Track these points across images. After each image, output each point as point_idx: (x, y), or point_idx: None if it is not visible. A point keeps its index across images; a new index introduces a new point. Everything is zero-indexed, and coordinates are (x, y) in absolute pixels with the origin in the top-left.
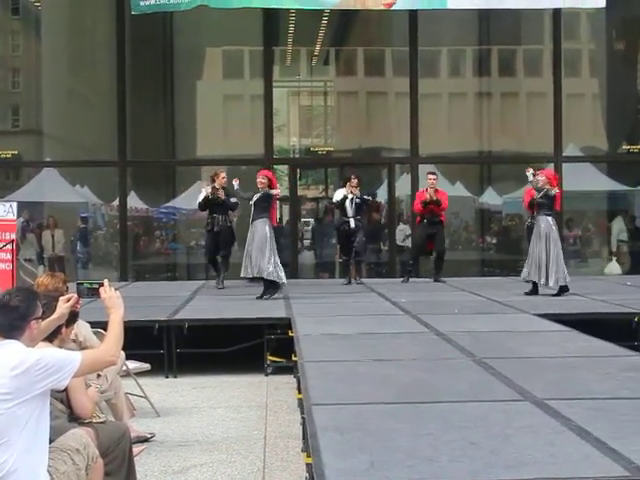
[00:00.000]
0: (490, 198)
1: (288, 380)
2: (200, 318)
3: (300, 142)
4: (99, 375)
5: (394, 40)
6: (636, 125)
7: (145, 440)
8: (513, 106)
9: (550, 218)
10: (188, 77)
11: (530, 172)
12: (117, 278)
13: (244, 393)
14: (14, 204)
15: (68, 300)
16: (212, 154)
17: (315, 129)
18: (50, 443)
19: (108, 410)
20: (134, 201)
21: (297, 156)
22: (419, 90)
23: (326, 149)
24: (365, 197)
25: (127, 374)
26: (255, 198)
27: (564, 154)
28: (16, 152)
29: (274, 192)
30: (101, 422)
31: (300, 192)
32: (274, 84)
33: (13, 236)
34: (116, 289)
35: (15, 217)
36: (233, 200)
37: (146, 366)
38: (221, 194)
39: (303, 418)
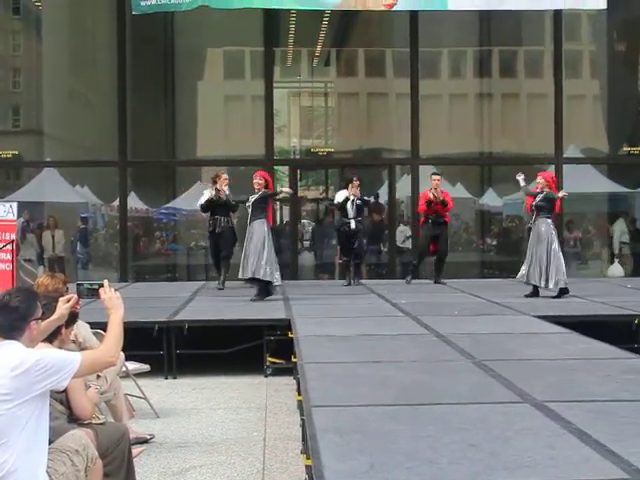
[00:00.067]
0: (490, 199)
1: (288, 382)
2: (200, 319)
3: (301, 143)
4: (99, 376)
5: (395, 41)
6: (637, 127)
7: (144, 441)
8: (514, 107)
9: (550, 221)
10: (189, 77)
11: (522, 177)
12: (117, 279)
13: (244, 394)
14: (14, 204)
15: (68, 301)
16: (212, 155)
17: (316, 130)
18: (49, 444)
19: (107, 411)
20: (134, 201)
21: (298, 157)
22: (420, 91)
23: (327, 150)
24: (366, 198)
25: (127, 375)
26: (253, 199)
27: (564, 155)
28: (16, 152)
29: (286, 190)
30: (100, 423)
31: (300, 193)
32: (275, 85)
33: (13, 236)
34: (116, 290)
35: (15, 217)
36: (242, 197)
37: (146, 367)
38: (222, 194)
39: (303, 420)
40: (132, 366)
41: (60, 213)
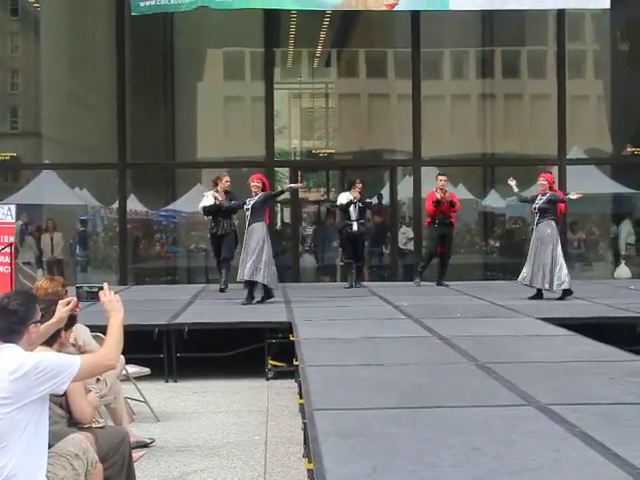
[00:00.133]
0: (493, 201)
1: (289, 385)
2: (200, 322)
3: (301, 144)
4: (98, 379)
5: (396, 41)
6: None
7: (145, 445)
8: (516, 108)
9: (553, 222)
10: (188, 78)
11: (514, 183)
12: (117, 281)
13: (245, 398)
14: (13, 207)
15: (67, 304)
16: (212, 156)
17: (316, 131)
18: (49, 448)
19: (107, 415)
20: (134, 204)
21: (298, 158)
22: (422, 92)
23: (327, 151)
24: (368, 201)
25: (127, 378)
26: (253, 201)
27: (568, 156)
28: (15, 154)
29: (296, 186)
30: (100, 427)
31: (301, 195)
32: (275, 86)
33: (12, 239)
34: (116, 293)
35: (14, 220)
36: (235, 203)
37: (146, 370)
38: (223, 203)
39: (304, 423)
40: (132, 369)
41: (59, 215)
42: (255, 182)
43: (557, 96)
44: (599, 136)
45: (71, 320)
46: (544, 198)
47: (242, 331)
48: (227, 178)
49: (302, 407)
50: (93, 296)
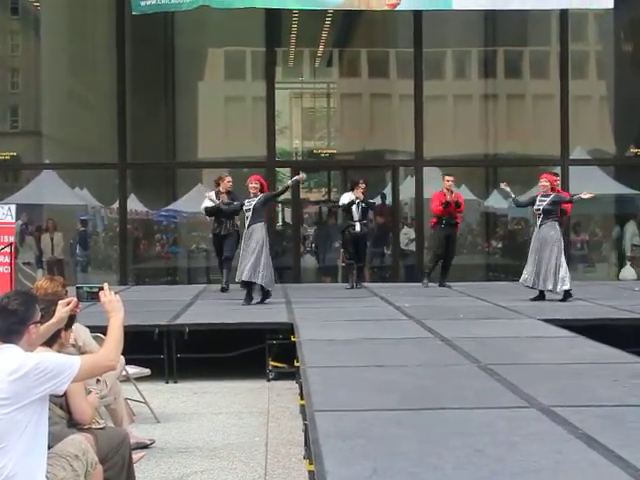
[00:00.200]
0: (495, 202)
1: (290, 386)
2: (201, 323)
3: (303, 144)
4: (98, 380)
5: (398, 41)
6: None
7: (145, 446)
8: (519, 108)
9: (557, 224)
10: (189, 78)
11: (509, 189)
12: (117, 282)
13: (245, 399)
14: (13, 206)
15: (67, 304)
16: (213, 156)
17: (318, 131)
18: (49, 449)
19: (107, 416)
20: (134, 204)
21: (300, 159)
22: (424, 92)
23: (329, 152)
24: (371, 201)
25: (127, 379)
26: (254, 202)
27: (571, 157)
28: (15, 154)
29: (298, 177)
30: (100, 428)
31: (303, 195)
32: (276, 86)
33: (12, 239)
34: (116, 293)
35: (14, 220)
36: (233, 206)
37: (146, 371)
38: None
39: (305, 424)
40: (132, 370)
41: (59, 215)
42: (253, 183)
43: (560, 96)
44: (602, 137)
45: (70, 320)
46: (548, 199)
47: (243, 332)
48: (229, 178)
49: (303, 408)
50: (93, 296)
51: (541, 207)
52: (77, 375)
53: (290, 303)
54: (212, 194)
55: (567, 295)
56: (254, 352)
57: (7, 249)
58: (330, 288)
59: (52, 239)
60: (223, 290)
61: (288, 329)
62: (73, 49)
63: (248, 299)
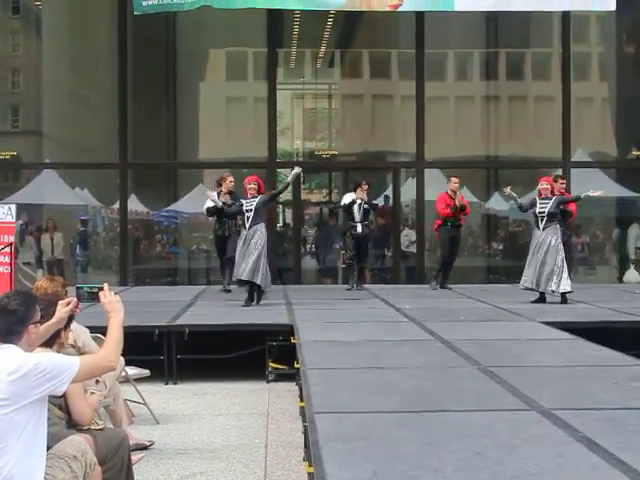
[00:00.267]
0: (497, 203)
1: (290, 388)
2: (201, 324)
3: (304, 145)
4: (98, 381)
5: (400, 42)
6: None
7: (144, 448)
8: (521, 110)
9: (559, 227)
10: (191, 78)
11: (513, 193)
12: (117, 282)
13: (245, 400)
14: (13, 206)
15: (67, 304)
16: (214, 157)
17: (319, 132)
18: (48, 450)
19: (107, 417)
20: (135, 204)
21: (301, 159)
22: (425, 93)
23: (330, 153)
24: (374, 202)
25: (126, 380)
26: (255, 203)
27: (572, 159)
28: (15, 153)
29: (296, 171)
30: (100, 429)
31: (304, 196)
32: (278, 86)
33: (12, 239)
34: (116, 293)
35: (14, 219)
36: (231, 209)
37: (146, 372)
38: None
39: (305, 426)
40: (132, 371)
41: (59, 215)
42: (252, 184)
43: (562, 98)
44: (604, 139)
45: (69, 319)
46: (551, 202)
47: (243, 333)
48: (231, 178)
49: (303, 410)
50: (93, 297)
51: (545, 210)
52: (76, 376)
53: (290, 304)
54: (214, 194)
55: (565, 297)
56: (254, 353)
57: (7, 249)
58: (330, 289)
59: (52, 239)
60: (227, 291)
61: (288, 330)
62: (74, 49)
63: (249, 300)
